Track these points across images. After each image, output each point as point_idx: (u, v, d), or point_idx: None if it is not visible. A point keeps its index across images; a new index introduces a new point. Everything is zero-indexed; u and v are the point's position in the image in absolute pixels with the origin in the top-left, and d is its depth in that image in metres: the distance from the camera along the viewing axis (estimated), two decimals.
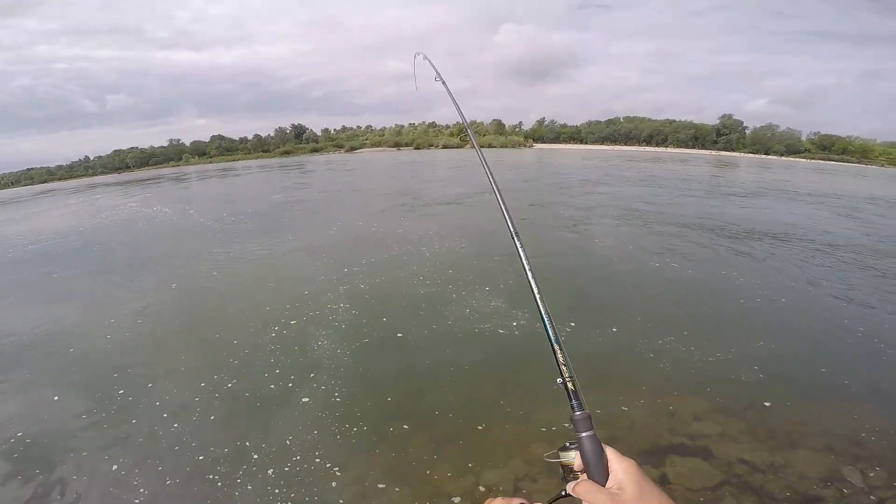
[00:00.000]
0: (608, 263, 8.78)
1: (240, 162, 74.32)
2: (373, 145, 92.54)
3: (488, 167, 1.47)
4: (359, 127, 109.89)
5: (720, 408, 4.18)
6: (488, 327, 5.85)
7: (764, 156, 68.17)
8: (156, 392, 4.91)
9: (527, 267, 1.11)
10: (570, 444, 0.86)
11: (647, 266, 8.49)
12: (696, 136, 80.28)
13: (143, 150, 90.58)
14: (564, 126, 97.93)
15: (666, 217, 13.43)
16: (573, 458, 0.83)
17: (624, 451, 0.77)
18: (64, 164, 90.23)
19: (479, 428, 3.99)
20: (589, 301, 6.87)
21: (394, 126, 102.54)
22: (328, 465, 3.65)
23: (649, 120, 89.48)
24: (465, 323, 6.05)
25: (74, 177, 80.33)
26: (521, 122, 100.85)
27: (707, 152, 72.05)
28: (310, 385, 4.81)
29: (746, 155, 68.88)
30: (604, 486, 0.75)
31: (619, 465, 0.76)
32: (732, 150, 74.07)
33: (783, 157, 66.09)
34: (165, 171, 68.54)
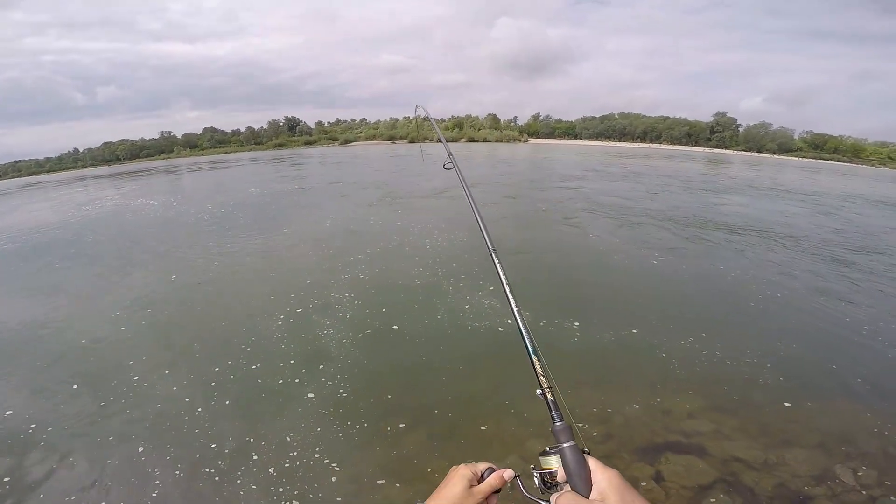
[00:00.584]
0: (570, 255, 8.93)
1: (232, 154, 73.48)
2: (367, 138, 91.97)
3: (470, 194, 1.55)
4: (353, 120, 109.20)
5: (714, 405, 4.21)
6: (486, 324, 5.83)
7: (757, 153, 68.84)
8: (164, 382, 4.90)
9: (504, 283, 1.15)
10: (550, 448, 0.85)
11: (611, 258, 8.75)
12: (690, 134, 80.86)
13: (133, 143, 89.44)
14: (559, 121, 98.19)
15: (630, 210, 13.86)
16: (553, 463, 0.82)
17: (619, 449, 0.78)
18: (53, 156, 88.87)
19: (483, 428, 3.96)
20: (558, 294, 6.90)
21: (388, 119, 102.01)
22: (327, 461, 3.63)
23: (644, 116, 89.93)
24: (462, 318, 6.04)
25: (64, 169, 79.17)
26: (516, 117, 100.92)
27: (701, 149, 72.60)
28: (316, 378, 4.81)
29: (739, 153, 69.51)
30: (587, 497, 0.74)
31: (602, 476, 0.75)
32: (726, 148, 74.72)
33: (776, 156, 66.78)
34: (156, 163, 67.64)
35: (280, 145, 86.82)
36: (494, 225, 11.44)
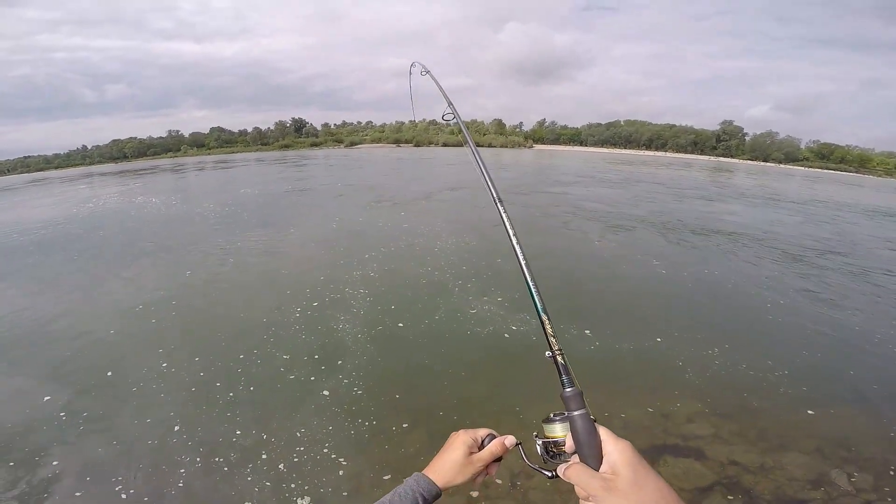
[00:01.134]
0: (567, 259, 9.00)
1: (238, 154, 74.02)
2: (372, 141, 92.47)
3: (473, 144, 1.43)
4: (359, 122, 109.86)
5: (713, 410, 4.25)
6: (490, 329, 5.88)
7: (763, 163, 68.61)
8: (193, 368, 5.12)
9: (511, 234, 1.02)
10: (555, 415, 0.79)
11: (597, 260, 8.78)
12: (696, 142, 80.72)
13: (141, 141, 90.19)
14: (565, 127, 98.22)
15: (613, 215, 14.20)
16: (557, 431, 0.77)
17: None
18: (61, 152, 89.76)
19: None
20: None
21: (394, 122, 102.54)
22: (333, 456, 3.70)
23: (650, 124, 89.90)
24: (469, 321, 6.11)
25: (72, 165, 79.87)
26: (521, 123, 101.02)
27: (706, 158, 72.47)
28: (333, 374, 4.93)
29: (745, 161, 69.32)
30: (597, 469, 0.70)
31: (613, 447, 0.70)
32: (731, 157, 74.51)
33: (782, 165, 66.54)
34: (163, 161, 68.21)
35: (286, 146, 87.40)
36: (491, 230, 11.50)
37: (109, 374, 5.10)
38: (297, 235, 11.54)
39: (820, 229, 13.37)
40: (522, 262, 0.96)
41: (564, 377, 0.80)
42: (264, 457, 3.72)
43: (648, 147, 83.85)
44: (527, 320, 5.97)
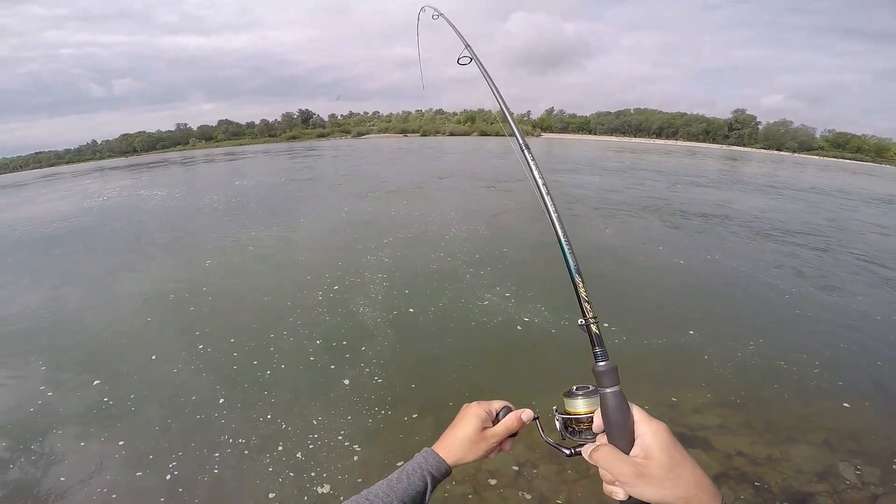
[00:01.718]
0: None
1: (247, 146, 74.32)
2: (379, 131, 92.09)
3: (493, 82, 1.24)
4: (366, 113, 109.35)
5: (721, 400, 4.26)
6: (500, 319, 5.90)
7: (776, 152, 67.22)
8: (229, 349, 5.37)
9: (540, 183, 0.90)
10: (578, 388, 0.73)
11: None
12: (708, 130, 79.21)
13: (150, 135, 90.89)
14: (574, 116, 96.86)
15: (598, 201, 14.49)
16: (580, 407, 0.71)
17: None
18: (72, 147, 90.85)
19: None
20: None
21: (400, 112, 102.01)
22: (347, 443, 3.79)
23: (660, 112, 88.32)
24: (480, 309, 6.15)
25: (82, 160, 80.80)
26: (529, 111, 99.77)
27: (718, 147, 71.17)
28: (354, 360, 5.07)
29: (758, 150, 67.97)
30: (627, 452, 0.64)
31: (647, 429, 0.63)
32: (744, 146, 73.09)
33: (796, 154, 65.15)
34: (173, 154, 68.71)
35: (293, 137, 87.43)
36: (498, 218, 11.50)
37: (153, 357, 5.32)
38: (309, 224, 11.68)
39: (839, 219, 13.17)
40: (554, 217, 0.85)
41: (598, 349, 0.72)
42: (306, 440, 3.82)
43: (659, 136, 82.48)
44: (538, 311, 5.98)
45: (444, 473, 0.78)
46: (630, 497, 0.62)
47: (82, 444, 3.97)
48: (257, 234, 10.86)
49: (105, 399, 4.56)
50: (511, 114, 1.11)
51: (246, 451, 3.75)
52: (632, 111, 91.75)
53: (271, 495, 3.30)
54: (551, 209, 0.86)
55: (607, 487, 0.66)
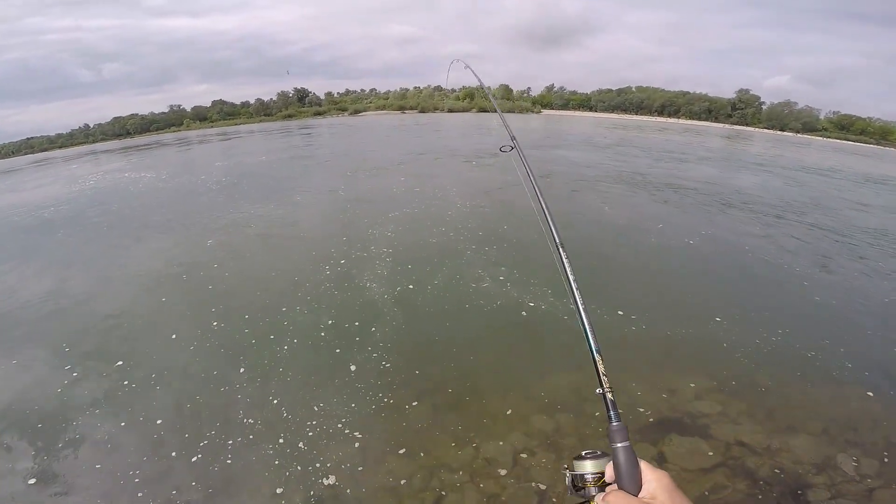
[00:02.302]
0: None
1: (242, 126, 73.05)
2: (377, 109, 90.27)
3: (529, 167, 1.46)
4: (363, 90, 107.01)
5: (722, 387, 4.27)
6: (506, 303, 5.87)
7: (779, 132, 66.36)
8: (243, 326, 5.56)
9: (571, 278, 1.13)
10: (587, 454, 0.86)
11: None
12: (710, 109, 77.92)
13: (143, 117, 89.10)
14: (574, 93, 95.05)
15: (577, 174, 15.15)
16: (587, 468, 0.84)
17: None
18: (64, 132, 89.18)
19: (508, 413, 3.99)
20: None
21: (398, 90, 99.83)
22: (347, 431, 3.80)
23: (662, 91, 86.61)
24: (482, 290, 6.15)
25: (75, 144, 79.33)
26: (529, 88, 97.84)
27: (720, 125, 70.16)
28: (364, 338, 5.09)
29: (761, 130, 67.06)
30: (636, 496, 0.76)
31: (652, 476, 0.77)
32: (747, 125, 72.09)
33: (799, 135, 64.34)
34: (167, 136, 67.49)
35: (289, 116, 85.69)
36: (501, 193, 11.37)
37: (174, 336, 5.43)
38: (306, 203, 11.61)
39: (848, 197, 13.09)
40: (581, 306, 1.07)
41: (612, 412, 0.89)
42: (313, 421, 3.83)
43: (661, 114, 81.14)
44: (542, 296, 5.94)
45: None
46: None
47: (108, 425, 4.05)
48: (254, 212, 10.80)
49: (125, 382, 4.64)
50: (540, 192, 1.34)
51: (253, 437, 3.75)
52: (633, 89, 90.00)
53: (278, 490, 3.32)
54: (580, 302, 1.09)
55: None
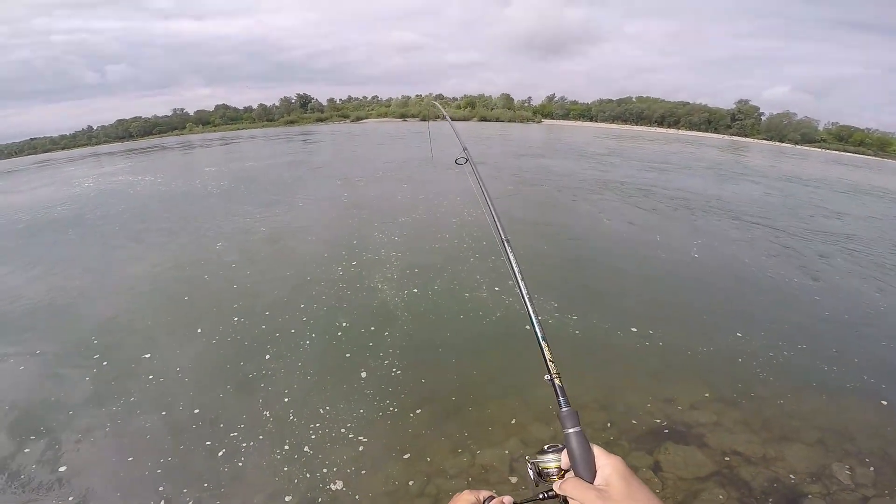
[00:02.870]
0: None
1: (244, 131, 73.55)
2: (378, 116, 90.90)
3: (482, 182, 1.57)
4: (365, 97, 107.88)
5: (718, 397, 4.26)
6: (506, 314, 5.85)
7: (778, 143, 66.79)
8: (264, 322, 5.72)
9: (515, 269, 1.18)
10: (549, 447, 0.86)
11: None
12: (710, 120, 78.51)
13: (146, 120, 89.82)
14: (575, 103, 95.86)
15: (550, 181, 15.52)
16: (549, 463, 0.83)
17: (619, 437, 0.81)
18: (67, 133, 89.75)
19: (513, 422, 3.98)
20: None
21: (400, 97, 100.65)
22: (351, 436, 3.80)
23: (662, 101, 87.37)
24: (484, 300, 6.16)
25: (78, 146, 79.83)
26: (530, 98, 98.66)
27: (720, 136, 70.61)
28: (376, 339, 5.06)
29: (759, 141, 67.47)
30: (591, 482, 0.75)
31: (606, 461, 0.75)
32: (746, 136, 72.57)
33: (798, 146, 64.75)
34: (169, 139, 67.89)
35: (291, 122, 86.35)
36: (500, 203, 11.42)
37: (199, 330, 5.59)
38: (310, 208, 11.71)
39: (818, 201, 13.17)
40: (526, 297, 1.12)
41: (562, 398, 0.88)
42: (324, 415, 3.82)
43: (661, 124, 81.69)
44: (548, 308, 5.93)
45: None
46: None
47: (139, 416, 4.17)
48: (260, 217, 10.88)
49: (150, 377, 4.73)
50: (496, 214, 1.43)
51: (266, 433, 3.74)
52: (633, 99, 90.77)
53: (287, 494, 3.30)
54: (525, 293, 1.14)
55: None
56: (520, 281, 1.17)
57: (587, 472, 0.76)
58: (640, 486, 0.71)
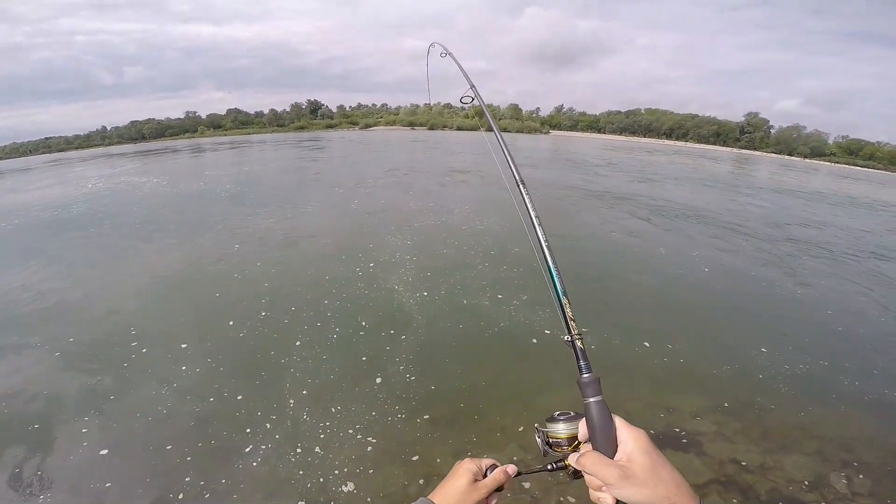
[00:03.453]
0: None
1: (255, 135, 74.63)
2: (387, 124, 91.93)
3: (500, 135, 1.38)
4: (374, 105, 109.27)
5: (718, 407, 4.27)
6: (515, 326, 5.84)
7: (787, 157, 66.50)
8: (289, 322, 5.83)
9: (532, 214, 1.01)
10: (559, 415, 0.80)
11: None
12: (719, 133, 78.45)
13: (159, 122, 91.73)
14: (583, 114, 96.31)
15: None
16: (560, 432, 0.77)
17: None
18: (82, 133, 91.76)
19: (519, 429, 3.98)
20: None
21: (409, 106, 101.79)
22: (359, 437, 3.85)
23: (671, 113, 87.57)
24: (491, 308, 6.18)
25: (92, 146, 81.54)
26: (538, 108, 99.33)
27: (728, 149, 70.47)
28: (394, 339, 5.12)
29: (768, 154, 67.27)
30: (612, 458, 0.69)
31: (628, 435, 0.69)
32: (755, 149, 72.35)
33: (806, 160, 64.41)
34: (180, 142, 69.14)
35: (301, 128, 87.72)
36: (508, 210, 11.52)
37: (231, 322, 5.80)
38: (323, 213, 11.87)
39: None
40: (543, 243, 0.94)
41: (582, 362, 0.80)
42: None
43: (669, 136, 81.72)
44: (538, 305, 5.99)
45: None
46: (617, 502, 0.66)
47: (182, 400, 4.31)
48: (274, 220, 11.03)
49: (183, 368, 4.87)
50: (513, 162, 1.23)
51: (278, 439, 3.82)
52: (642, 111, 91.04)
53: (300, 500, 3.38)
54: (542, 239, 0.96)
55: (594, 494, 0.70)
56: (537, 227, 0.99)
57: (607, 446, 0.70)
58: (664, 463, 0.66)
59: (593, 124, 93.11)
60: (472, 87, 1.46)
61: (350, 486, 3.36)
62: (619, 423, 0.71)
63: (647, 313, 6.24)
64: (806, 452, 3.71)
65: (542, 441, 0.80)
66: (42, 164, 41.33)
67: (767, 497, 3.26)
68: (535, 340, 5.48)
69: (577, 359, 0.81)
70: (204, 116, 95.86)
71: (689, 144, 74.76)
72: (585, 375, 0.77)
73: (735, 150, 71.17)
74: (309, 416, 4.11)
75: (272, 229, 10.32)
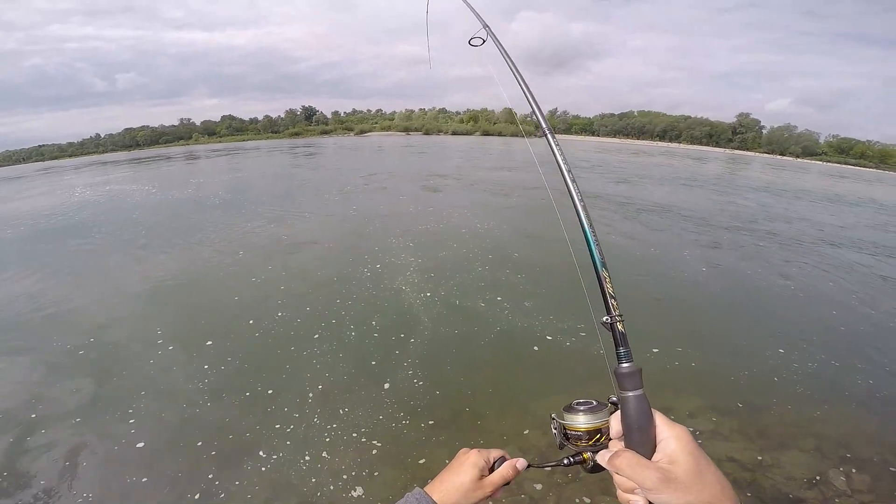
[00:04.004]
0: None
1: (249, 142, 74.55)
2: (382, 129, 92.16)
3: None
4: (369, 111, 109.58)
5: (715, 405, 4.24)
6: (519, 332, 5.80)
7: (779, 156, 67.20)
8: (305, 320, 5.96)
9: (564, 168, 0.88)
10: (579, 404, 0.72)
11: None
12: (711, 134, 79.19)
13: (153, 129, 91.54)
14: (577, 118, 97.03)
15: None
16: (580, 425, 0.69)
17: None
18: (75, 141, 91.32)
19: (525, 433, 3.95)
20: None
21: (404, 111, 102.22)
22: (364, 440, 3.81)
23: (664, 115, 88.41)
24: (497, 311, 6.13)
25: (85, 154, 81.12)
26: (532, 112, 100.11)
27: (721, 150, 71.12)
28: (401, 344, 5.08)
29: (760, 154, 67.93)
30: (649, 458, 0.61)
31: (669, 433, 0.61)
32: (747, 150, 73.05)
33: (798, 159, 65.11)
34: (175, 149, 68.92)
35: (296, 134, 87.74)
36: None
37: (251, 321, 5.97)
38: (323, 219, 11.89)
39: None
40: (578, 202, 0.81)
41: (622, 349, 0.69)
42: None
43: (662, 138, 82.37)
44: (536, 308, 5.97)
45: None
46: None
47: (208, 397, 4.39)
48: (276, 226, 11.00)
49: (205, 365, 4.97)
50: (536, 102, 1.09)
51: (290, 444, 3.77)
52: (635, 113, 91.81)
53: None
54: (578, 201, 0.82)
55: (623, 496, 0.63)
56: (570, 181, 0.85)
57: (646, 445, 0.62)
58: (708, 464, 0.59)
59: (587, 127, 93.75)
60: (486, 26, 1.20)
61: (359, 491, 3.32)
62: (660, 419, 0.63)
63: (640, 312, 6.23)
64: (804, 450, 3.70)
65: (558, 432, 0.72)
66: (33, 173, 41.08)
67: (767, 495, 3.23)
68: (536, 348, 5.41)
69: (617, 344, 0.70)
70: (198, 123, 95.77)
71: (683, 146, 75.37)
72: (626, 365, 0.67)
73: (727, 150, 71.81)
74: (319, 419, 4.08)
75: (277, 235, 10.31)
